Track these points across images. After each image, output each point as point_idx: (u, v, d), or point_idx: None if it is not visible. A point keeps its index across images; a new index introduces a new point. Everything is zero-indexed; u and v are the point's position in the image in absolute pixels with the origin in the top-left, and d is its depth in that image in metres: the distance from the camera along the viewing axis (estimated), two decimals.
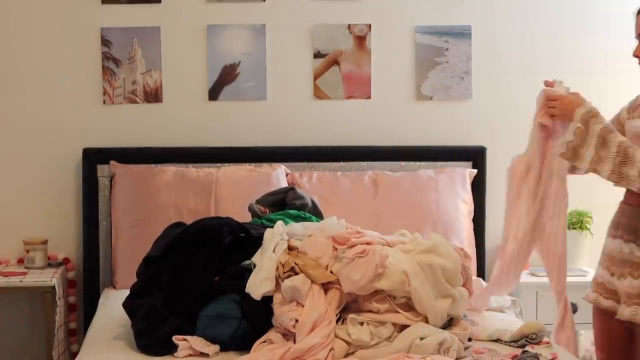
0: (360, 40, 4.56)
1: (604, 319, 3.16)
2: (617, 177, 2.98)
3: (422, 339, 2.90)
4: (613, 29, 4.67)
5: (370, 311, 3.02)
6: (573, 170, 3.28)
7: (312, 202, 3.85)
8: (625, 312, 3.02)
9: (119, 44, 4.44)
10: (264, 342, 2.99)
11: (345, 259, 3.03)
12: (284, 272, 3.02)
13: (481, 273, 4.47)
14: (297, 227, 3.30)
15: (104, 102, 4.46)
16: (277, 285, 3.03)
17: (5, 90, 4.42)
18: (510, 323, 3.45)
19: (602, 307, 3.12)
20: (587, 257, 4.54)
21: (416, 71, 4.59)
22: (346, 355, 2.93)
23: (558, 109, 3.19)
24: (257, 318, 3.05)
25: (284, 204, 3.81)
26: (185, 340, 3.03)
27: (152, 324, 3.07)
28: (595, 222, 4.53)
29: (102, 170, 4.36)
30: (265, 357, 2.86)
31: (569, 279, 4.31)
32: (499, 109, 4.63)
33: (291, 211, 3.70)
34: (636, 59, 3.11)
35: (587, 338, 4.60)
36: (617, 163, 2.95)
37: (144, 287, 3.22)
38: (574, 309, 4.26)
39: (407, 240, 3.25)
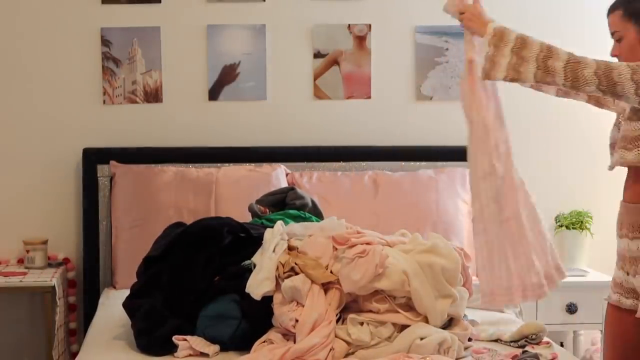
0: (360, 40, 4.56)
1: (622, 319, 3.14)
2: (542, 74, 2.87)
3: (422, 339, 2.90)
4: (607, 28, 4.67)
5: (370, 311, 3.02)
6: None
7: (312, 202, 3.85)
8: None
9: (119, 44, 4.44)
10: (264, 342, 3.00)
11: (345, 259, 3.03)
12: (284, 272, 3.02)
13: None
14: (297, 227, 3.30)
15: (104, 102, 4.46)
16: (277, 285, 3.03)
17: (6, 90, 4.42)
18: (510, 323, 3.45)
19: (624, 307, 3.11)
20: (587, 257, 4.54)
21: (416, 71, 4.59)
22: (346, 355, 2.94)
23: (469, 17, 3.10)
24: (257, 318, 3.05)
25: (284, 204, 3.81)
26: (185, 340, 3.03)
27: (152, 324, 3.08)
28: (595, 222, 4.53)
29: (102, 170, 4.36)
30: (265, 357, 2.86)
31: (568, 279, 4.33)
32: None
33: (291, 211, 3.70)
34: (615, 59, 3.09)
35: (587, 338, 4.61)
36: (541, 58, 2.85)
37: (144, 287, 3.23)
38: (573, 308, 4.27)
39: (407, 240, 3.26)
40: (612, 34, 3.08)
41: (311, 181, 4.32)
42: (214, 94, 4.51)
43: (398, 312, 3.01)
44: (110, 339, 3.25)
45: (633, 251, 3.09)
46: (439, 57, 4.59)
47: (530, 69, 2.88)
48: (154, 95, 4.48)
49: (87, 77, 4.45)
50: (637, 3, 3.02)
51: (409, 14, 4.58)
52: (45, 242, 4.30)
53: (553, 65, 2.86)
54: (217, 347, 3.05)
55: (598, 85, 2.84)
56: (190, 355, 3.01)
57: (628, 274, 3.13)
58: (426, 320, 3.00)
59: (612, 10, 3.08)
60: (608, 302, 3.19)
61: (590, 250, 4.53)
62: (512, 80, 2.94)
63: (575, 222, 4.53)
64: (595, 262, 4.49)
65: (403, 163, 4.51)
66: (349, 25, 4.55)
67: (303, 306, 2.96)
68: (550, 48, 2.88)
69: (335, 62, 4.56)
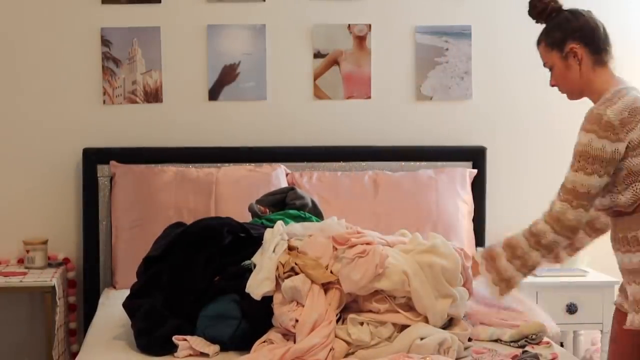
0: (360, 40, 4.56)
1: (622, 321, 3.14)
2: (547, 252, 3.00)
3: (422, 339, 2.90)
4: (614, 29, 4.67)
5: (371, 311, 3.02)
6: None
7: (312, 202, 3.85)
8: (629, 318, 3.02)
9: (119, 44, 4.44)
10: (264, 342, 3.00)
11: (345, 259, 3.03)
12: (284, 272, 3.02)
13: None
14: (297, 227, 3.30)
15: (104, 102, 4.46)
16: (277, 285, 3.03)
17: (6, 90, 4.42)
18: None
19: (624, 310, 3.12)
20: (587, 257, 4.53)
21: (416, 71, 4.59)
22: (346, 355, 2.94)
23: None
24: (257, 318, 3.05)
25: (284, 204, 3.81)
26: (185, 340, 3.03)
27: (152, 324, 3.08)
28: None
29: (102, 170, 4.36)
30: (265, 357, 2.86)
31: (568, 279, 4.34)
32: (499, 109, 4.63)
33: (291, 211, 3.70)
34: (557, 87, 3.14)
35: (587, 338, 4.61)
36: (533, 244, 2.97)
37: (144, 287, 3.22)
38: (573, 308, 4.27)
39: (407, 240, 3.25)
40: (544, 65, 3.13)
41: (311, 181, 4.32)
42: (214, 94, 4.51)
43: (398, 312, 3.01)
44: (110, 339, 3.25)
45: (625, 263, 3.10)
46: (439, 57, 4.59)
47: (536, 258, 2.99)
48: (154, 95, 4.48)
49: (87, 77, 4.45)
50: (555, 32, 3.08)
51: (409, 14, 4.58)
52: (45, 242, 4.30)
53: (547, 242, 2.96)
54: (217, 347, 3.05)
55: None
56: (190, 355, 3.01)
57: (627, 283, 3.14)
58: (426, 320, 3.00)
59: (538, 43, 3.14)
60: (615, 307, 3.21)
61: (590, 250, 4.53)
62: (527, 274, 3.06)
63: None
64: (596, 262, 4.48)
65: (403, 163, 4.51)
66: (349, 25, 4.54)
67: (303, 306, 2.96)
68: (532, 232, 2.98)
69: (335, 62, 4.56)
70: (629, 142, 2.95)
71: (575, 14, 3.11)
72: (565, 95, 3.15)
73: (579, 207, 2.93)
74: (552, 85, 3.14)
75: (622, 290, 3.16)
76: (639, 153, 2.94)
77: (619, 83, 3.06)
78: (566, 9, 3.12)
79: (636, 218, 2.98)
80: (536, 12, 3.15)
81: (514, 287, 3.05)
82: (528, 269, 3.02)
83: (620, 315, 3.12)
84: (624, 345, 3.08)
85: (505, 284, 3.02)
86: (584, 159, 2.93)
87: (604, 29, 3.10)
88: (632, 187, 2.94)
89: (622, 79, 3.09)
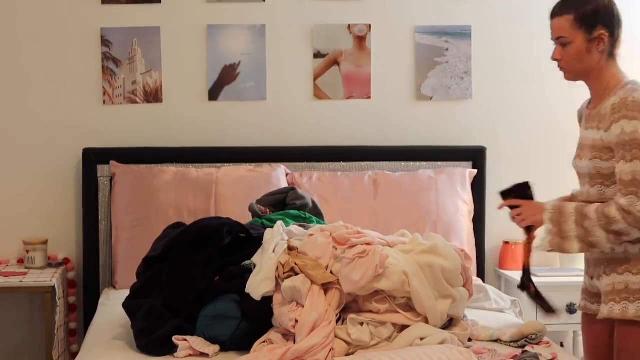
0: (360, 40, 4.56)
1: (591, 326, 3.14)
2: (614, 238, 2.94)
3: (422, 339, 2.90)
4: None
5: (370, 311, 3.02)
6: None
7: (313, 202, 3.85)
8: (605, 310, 3.02)
9: (119, 44, 4.44)
10: (264, 342, 3.00)
11: (345, 259, 3.03)
12: (284, 273, 3.02)
13: (481, 274, 4.47)
14: (296, 227, 3.31)
15: (104, 102, 4.46)
16: (277, 285, 3.03)
17: (6, 90, 4.42)
18: (510, 323, 3.45)
19: (590, 312, 3.12)
20: None
21: (416, 71, 4.59)
22: (346, 355, 2.93)
23: (525, 213, 3.12)
24: (257, 318, 3.05)
25: (285, 204, 3.81)
26: (185, 340, 3.03)
27: (152, 324, 3.07)
28: None
29: (102, 170, 4.36)
30: (265, 357, 2.86)
31: (568, 279, 4.34)
32: (499, 109, 4.63)
33: (291, 211, 3.70)
34: (556, 63, 3.07)
35: None
36: (604, 225, 2.92)
37: (143, 287, 3.23)
38: (573, 309, 4.26)
39: (407, 240, 3.25)
40: (558, 38, 3.05)
41: (311, 181, 4.32)
42: (214, 94, 4.51)
43: (398, 312, 3.01)
44: (110, 339, 3.25)
45: (595, 253, 3.09)
46: (439, 57, 4.59)
47: (599, 236, 2.94)
48: (154, 95, 4.48)
49: (87, 77, 4.45)
50: (587, 7, 2.99)
51: (409, 14, 4.58)
52: (45, 242, 4.30)
53: (618, 229, 2.91)
54: (217, 347, 3.05)
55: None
56: (190, 355, 3.01)
57: (592, 277, 3.14)
58: (426, 320, 3.00)
59: (560, 13, 3.02)
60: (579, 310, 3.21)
61: None
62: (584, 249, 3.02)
63: None
64: None
65: (403, 163, 4.51)
66: (349, 25, 4.54)
67: (303, 306, 2.96)
68: (604, 212, 2.92)
69: (335, 62, 4.56)
70: None
71: (611, 0, 3.06)
72: (562, 73, 3.08)
73: None
74: (555, 59, 3.07)
75: (586, 291, 3.16)
76: None
77: (625, 76, 3.04)
78: None
79: None
80: None
81: (565, 251, 3.01)
82: (587, 243, 2.95)
83: (588, 319, 3.11)
84: (600, 354, 3.07)
85: (560, 241, 2.97)
86: (636, 147, 2.89)
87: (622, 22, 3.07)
88: None
89: (625, 73, 3.07)
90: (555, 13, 3.03)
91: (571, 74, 3.06)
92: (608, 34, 2.98)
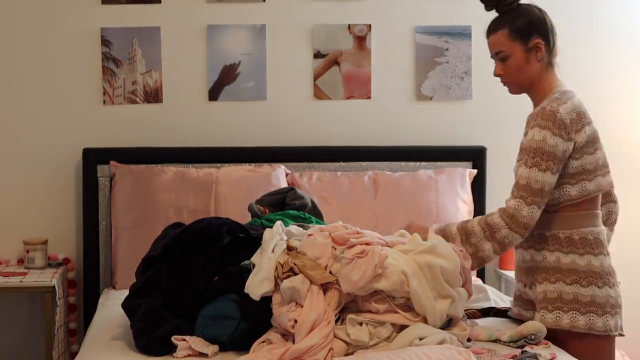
0: (360, 40, 4.56)
1: None
2: (499, 247, 3.05)
3: (421, 339, 2.90)
4: (615, 29, 4.68)
5: (370, 311, 3.02)
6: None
7: (312, 202, 3.84)
8: (537, 317, 3.08)
9: (119, 44, 4.44)
10: (263, 342, 2.99)
11: (344, 259, 3.03)
12: (283, 273, 3.01)
13: (481, 274, 4.47)
14: (295, 227, 3.31)
15: (104, 102, 4.46)
16: (276, 285, 3.02)
17: (6, 90, 4.43)
18: (509, 323, 3.45)
19: (524, 319, 3.14)
20: None
21: (416, 71, 4.59)
22: (345, 355, 2.93)
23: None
24: (256, 318, 3.05)
25: (284, 204, 3.81)
26: (185, 340, 3.03)
27: (151, 324, 3.07)
28: None
29: (102, 170, 4.36)
30: (264, 358, 2.85)
31: None
32: (499, 109, 4.63)
33: (291, 211, 3.70)
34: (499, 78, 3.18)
35: None
36: (488, 236, 3.01)
37: (143, 287, 3.22)
38: None
39: (406, 240, 3.25)
40: (496, 54, 3.12)
41: (311, 181, 4.32)
42: (214, 94, 4.51)
43: (397, 312, 3.01)
44: (110, 339, 3.25)
45: (527, 261, 3.12)
46: (439, 57, 4.59)
47: (487, 249, 3.08)
48: (154, 96, 4.48)
49: (87, 77, 4.45)
50: (520, 20, 3.08)
51: (409, 14, 4.58)
52: (45, 242, 4.30)
53: (502, 238, 3.06)
54: (216, 347, 3.05)
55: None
56: (189, 355, 3.01)
57: (525, 285, 3.16)
58: (425, 320, 3.00)
59: (495, 30, 3.13)
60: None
61: None
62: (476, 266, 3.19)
63: None
64: None
65: (403, 163, 4.51)
66: (349, 25, 4.55)
67: (302, 307, 2.96)
68: (487, 222, 3.08)
69: (335, 62, 4.56)
70: (575, 144, 3.00)
71: (541, 10, 3.14)
72: (507, 88, 3.16)
73: (533, 203, 2.97)
74: (498, 75, 3.14)
75: (520, 298, 3.19)
76: (578, 157, 3.03)
77: (561, 85, 3.11)
78: (526, 2, 3.14)
79: (568, 218, 3.02)
80: (495, 1, 3.12)
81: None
82: (477, 259, 3.05)
83: None
84: None
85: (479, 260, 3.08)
86: (538, 155, 2.97)
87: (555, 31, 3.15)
88: (563, 188, 3.03)
89: (563, 82, 3.14)
90: (491, 30, 3.15)
91: (514, 87, 3.17)
92: (544, 43, 3.04)
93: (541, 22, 3.09)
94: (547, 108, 3.00)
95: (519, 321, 3.28)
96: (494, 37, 3.12)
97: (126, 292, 3.30)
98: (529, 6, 3.13)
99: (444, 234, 3.08)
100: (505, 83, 3.16)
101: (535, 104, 3.16)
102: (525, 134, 3.07)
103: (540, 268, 3.10)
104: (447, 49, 4.58)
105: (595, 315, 3.06)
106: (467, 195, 4.43)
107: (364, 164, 4.49)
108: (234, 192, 4.22)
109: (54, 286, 4.05)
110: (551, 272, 3.08)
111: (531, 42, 3.07)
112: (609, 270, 3.13)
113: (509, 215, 2.95)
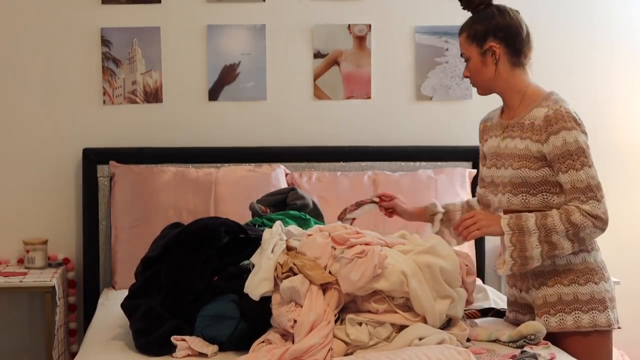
0: (360, 40, 4.56)
1: None
2: (579, 245, 3.02)
3: (420, 339, 2.90)
4: (615, 29, 4.67)
5: (369, 311, 3.02)
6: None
7: (313, 203, 3.85)
8: (552, 322, 3.07)
9: (119, 44, 4.44)
10: (262, 342, 2.99)
11: (344, 260, 3.03)
12: (283, 273, 3.01)
13: (481, 274, 4.46)
14: (295, 227, 3.31)
15: (104, 102, 4.46)
16: (276, 285, 3.02)
17: (5, 90, 4.43)
18: (509, 323, 3.45)
19: (522, 323, 3.14)
20: None
21: (416, 71, 4.59)
22: (345, 355, 2.93)
23: (482, 222, 3.13)
24: (256, 318, 3.05)
25: (285, 204, 3.81)
26: (184, 340, 3.03)
27: (150, 324, 3.07)
28: None
29: (102, 170, 4.37)
30: (263, 358, 2.85)
31: None
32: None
33: (292, 212, 3.70)
34: (468, 79, 3.20)
35: None
36: (571, 235, 2.99)
37: (142, 287, 3.23)
38: None
39: (406, 241, 3.25)
40: (461, 55, 3.18)
41: (311, 181, 4.32)
42: (214, 94, 4.51)
43: (397, 312, 3.01)
44: (109, 339, 3.25)
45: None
46: (439, 57, 4.59)
47: (567, 247, 3.02)
48: (154, 95, 4.49)
49: (87, 77, 4.45)
50: (478, 25, 3.12)
51: (409, 14, 4.58)
52: (45, 242, 4.30)
53: (583, 235, 3.01)
54: (215, 348, 3.05)
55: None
56: (188, 355, 3.01)
57: (521, 290, 3.16)
58: (425, 320, 3.00)
59: (460, 33, 3.18)
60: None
61: None
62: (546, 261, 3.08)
63: None
64: None
65: (403, 163, 4.51)
66: (349, 25, 4.55)
67: (301, 307, 2.96)
68: (569, 218, 2.99)
69: (335, 62, 4.56)
70: None
71: (503, 12, 3.16)
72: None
73: (602, 197, 2.99)
74: (465, 77, 3.19)
75: (516, 303, 3.18)
76: None
77: (538, 85, 3.14)
78: (495, 4, 3.16)
79: None
80: (465, 1, 3.17)
81: (527, 269, 3.06)
82: (551, 257, 3.03)
83: None
84: None
85: (522, 261, 3.03)
86: (581, 155, 2.98)
87: (527, 32, 3.17)
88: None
89: (534, 81, 3.16)
90: (458, 33, 3.19)
91: (479, 89, 3.23)
92: (502, 44, 3.08)
93: (499, 26, 3.11)
94: (562, 110, 3.01)
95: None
96: (459, 40, 3.21)
97: (126, 292, 3.30)
98: (495, 9, 3.14)
99: (520, 227, 3.04)
100: (472, 85, 3.21)
101: (510, 105, 3.18)
102: (545, 141, 3.02)
103: (536, 273, 3.11)
104: (447, 49, 4.58)
105: (597, 312, 3.07)
106: (467, 195, 4.42)
107: (363, 164, 4.49)
108: (233, 192, 4.22)
109: (54, 286, 4.05)
110: (547, 275, 3.09)
111: (486, 45, 3.10)
112: (603, 265, 3.16)
113: (593, 216, 2.96)
